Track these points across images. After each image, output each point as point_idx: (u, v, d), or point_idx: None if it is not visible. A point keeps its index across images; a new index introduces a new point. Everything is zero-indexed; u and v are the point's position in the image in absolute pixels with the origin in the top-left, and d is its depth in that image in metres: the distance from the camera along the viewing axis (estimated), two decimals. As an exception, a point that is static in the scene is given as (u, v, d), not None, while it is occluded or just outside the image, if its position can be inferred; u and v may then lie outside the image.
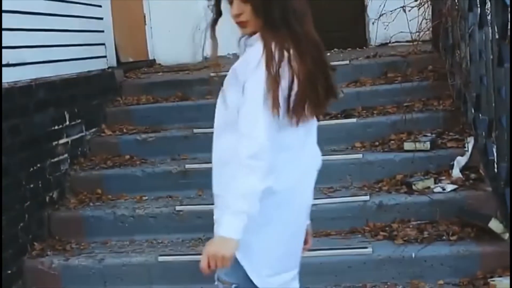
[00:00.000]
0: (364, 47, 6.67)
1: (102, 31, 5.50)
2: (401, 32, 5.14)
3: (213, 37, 2.19)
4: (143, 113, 5.07)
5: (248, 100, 2.03)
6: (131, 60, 6.34)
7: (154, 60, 6.84)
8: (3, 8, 3.98)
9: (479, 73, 3.76)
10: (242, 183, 1.98)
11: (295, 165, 2.16)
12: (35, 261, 3.86)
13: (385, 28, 5.12)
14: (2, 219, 3.68)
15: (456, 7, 4.41)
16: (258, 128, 2.00)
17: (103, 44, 5.50)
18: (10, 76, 3.95)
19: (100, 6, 5.48)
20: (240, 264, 2.14)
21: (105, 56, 5.50)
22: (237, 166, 2.00)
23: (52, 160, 4.31)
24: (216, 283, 2.22)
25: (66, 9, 4.83)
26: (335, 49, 6.55)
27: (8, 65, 3.94)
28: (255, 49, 2.07)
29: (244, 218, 1.98)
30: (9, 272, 3.71)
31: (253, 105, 2.02)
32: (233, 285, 2.19)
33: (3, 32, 3.94)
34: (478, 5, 3.71)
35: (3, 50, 3.93)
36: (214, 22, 2.20)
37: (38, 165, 4.12)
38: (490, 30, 3.48)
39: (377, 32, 5.34)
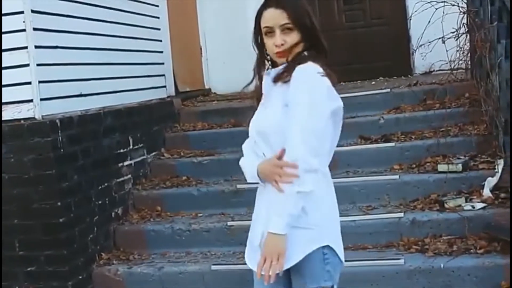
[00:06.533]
0: (409, 76, 6.85)
1: (162, 63, 5.97)
2: (440, 61, 5.45)
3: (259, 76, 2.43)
4: (199, 138, 5.49)
5: None
6: (188, 89, 6.79)
7: (210, 89, 7.26)
8: (87, 45, 4.49)
9: (507, 100, 4.04)
10: None
11: None
12: (103, 268, 4.32)
13: (422, 59, 5.45)
14: (72, 231, 4.15)
15: (488, 38, 4.70)
16: None
17: (163, 75, 5.97)
18: (83, 105, 4.46)
19: (160, 40, 5.97)
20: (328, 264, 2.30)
21: (164, 86, 5.97)
22: None
23: (118, 180, 4.77)
24: None
25: (130, 44, 5.31)
26: (381, 78, 6.81)
27: (81, 95, 4.45)
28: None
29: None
30: (80, 277, 4.18)
31: None
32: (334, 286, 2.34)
33: (78, 67, 4.45)
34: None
35: (78, 82, 4.44)
36: (261, 63, 2.42)
37: (106, 184, 4.58)
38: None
39: (416, 61, 5.57)
